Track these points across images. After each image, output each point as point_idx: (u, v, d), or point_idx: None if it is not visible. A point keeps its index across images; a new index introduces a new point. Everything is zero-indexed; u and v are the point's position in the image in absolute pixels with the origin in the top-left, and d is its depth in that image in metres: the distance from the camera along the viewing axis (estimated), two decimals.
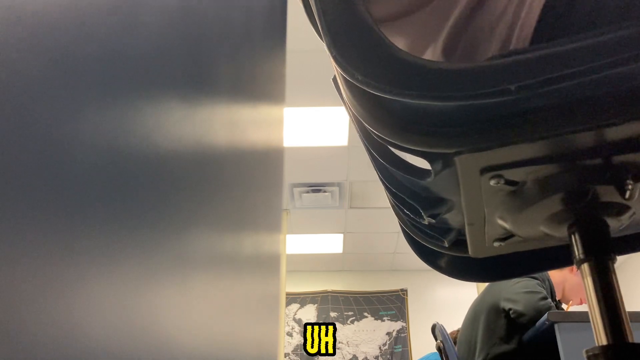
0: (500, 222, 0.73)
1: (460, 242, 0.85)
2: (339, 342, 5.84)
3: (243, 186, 0.28)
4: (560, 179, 0.64)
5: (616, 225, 0.71)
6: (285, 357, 5.68)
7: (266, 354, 0.31)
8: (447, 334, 2.68)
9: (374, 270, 6.07)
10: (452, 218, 0.79)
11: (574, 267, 2.16)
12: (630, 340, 0.65)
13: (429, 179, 0.66)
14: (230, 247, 0.25)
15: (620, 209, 0.68)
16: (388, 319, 5.95)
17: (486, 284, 2.41)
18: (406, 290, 6.05)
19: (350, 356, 5.79)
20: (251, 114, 0.36)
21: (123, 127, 0.13)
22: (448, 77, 0.52)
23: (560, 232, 0.72)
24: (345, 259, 5.91)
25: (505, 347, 1.99)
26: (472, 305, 2.29)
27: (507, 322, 2.02)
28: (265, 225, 0.34)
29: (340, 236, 5.47)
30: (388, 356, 5.75)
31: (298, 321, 5.95)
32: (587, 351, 0.66)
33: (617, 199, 0.65)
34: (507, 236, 0.79)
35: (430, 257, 0.98)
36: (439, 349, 2.69)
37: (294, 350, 5.79)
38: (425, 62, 0.54)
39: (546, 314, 1.75)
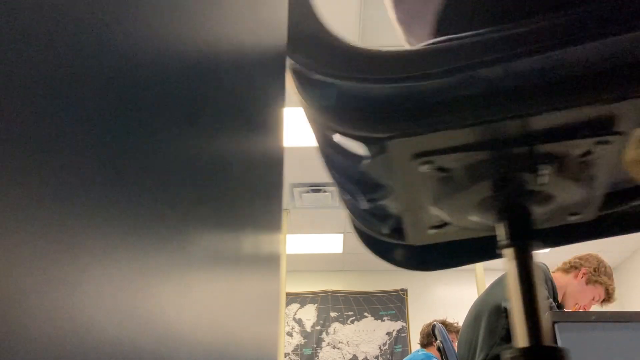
0: (433, 208, 0.75)
1: (399, 230, 0.87)
2: (339, 342, 5.84)
3: (243, 186, 0.28)
4: (487, 166, 0.66)
5: (541, 213, 0.73)
6: (285, 357, 5.68)
7: (266, 353, 0.31)
8: (447, 334, 2.68)
9: (374, 270, 6.07)
10: (390, 204, 0.81)
11: (578, 273, 2.18)
12: (546, 343, 0.67)
13: (365, 163, 0.68)
14: (230, 246, 0.25)
15: (544, 198, 0.70)
16: (388, 319, 5.95)
17: (487, 285, 2.41)
18: (406, 290, 6.05)
19: (351, 356, 5.79)
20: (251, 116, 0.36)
21: (123, 127, 0.13)
22: (372, 60, 0.55)
23: (488, 219, 0.74)
24: (345, 259, 5.91)
25: (505, 347, 1.99)
26: (473, 306, 2.30)
27: (508, 321, 2.02)
28: (265, 225, 0.34)
29: (340, 236, 5.47)
30: (388, 356, 5.75)
31: (298, 321, 5.95)
32: (508, 352, 0.68)
33: (541, 187, 0.67)
34: (443, 224, 0.81)
35: (377, 247, 1.01)
36: (438, 349, 2.69)
37: (294, 350, 5.79)
38: (352, 46, 0.57)
39: (546, 314, 1.75)
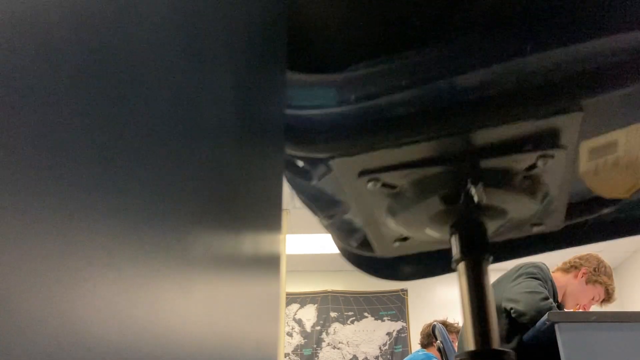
0: (391, 223, 0.76)
1: (367, 242, 0.89)
2: (339, 342, 5.84)
3: (244, 186, 0.28)
4: (433, 181, 0.67)
5: (496, 227, 0.74)
6: (285, 357, 5.68)
7: (266, 354, 0.31)
8: (447, 335, 2.68)
9: None
10: (354, 219, 0.82)
11: (578, 273, 2.20)
12: (495, 347, 0.69)
13: (314, 182, 0.70)
14: (230, 247, 0.25)
15: (496, 212, 0.71)
16: (388, 319, 5.95)
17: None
18: (406, 290, 6.04)
19: (351, 356, 5.79)
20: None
21: (125, 130, 0.13)
22: (298, 87, 0.56)
23: (443, 233, 0.75)
24: None
25: (505, 347, 1.99)
26: None
27: (508, 322, 2.02)
28: (266, 226, 0.34)
29: None
30: (388, 356, 5.75)
31: (298, 321, 5.95)
32: (455, 357, 0.70)
33: (490, 202, 0.68)
34: (406, 237, 0.81)
35: (352, 258, 1.04)
36: (439, 349, 2.69)
37: (294, 351, 5.79)
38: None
39: (546, 314, 1.75)
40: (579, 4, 0.51)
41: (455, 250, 0.73)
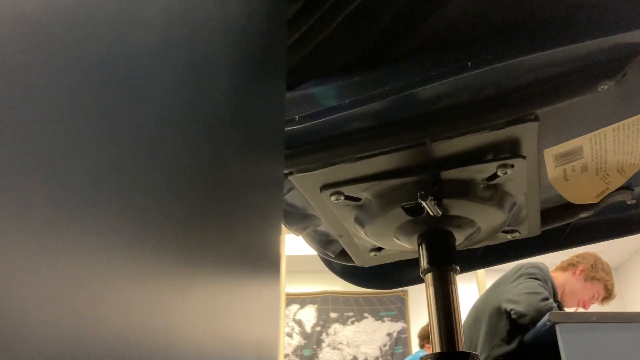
0: (361, 234, 0.76)
1: (345, 252, 0.89)
2: (339, 343, 5.84)
3: (244, 188, 0.27)
4: (395, 193, 0.67)
5: (463, 237, 0.73)
6: (285, 358, 5.68)
7: (266, 355, 0.31)
8: None
9: None
10: (329, 230, 0.82)
11: (576, 270, 2.20)
12: (460, 349, 0.69)
13: (287, 197, 0.71)
14: (230, 248, 0.25)
15: (463, 222, 0.71)
16: (388, 320, 5.95)
17: (488, 286, 2.41)
18: (407, 291, 6.04)
19: (351, 357, 5.79)
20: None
21: (125, 128, 0.13)
22: None
23: (412, 243, 0.75)
24: None
25: (506, 348, 1.99)
26: (473, 307, 2.29)
27: (508, 323, 2.02)
28: (265, 226, 0.34)
29: None
30: (388, 357, 5.75)
31: (298, 322, 5.95)
32: (421, 358, 0.71)
33: (454, 212, 0.68)
34: (380, 247, 0.81)
35: (333, 267, 1.05)
36: None
37: (294, 351, 5.79)
38: None
39: (547, 315, 1.75)
40: (529, 19, 0.51)
41: (423, 261, 0.73)
